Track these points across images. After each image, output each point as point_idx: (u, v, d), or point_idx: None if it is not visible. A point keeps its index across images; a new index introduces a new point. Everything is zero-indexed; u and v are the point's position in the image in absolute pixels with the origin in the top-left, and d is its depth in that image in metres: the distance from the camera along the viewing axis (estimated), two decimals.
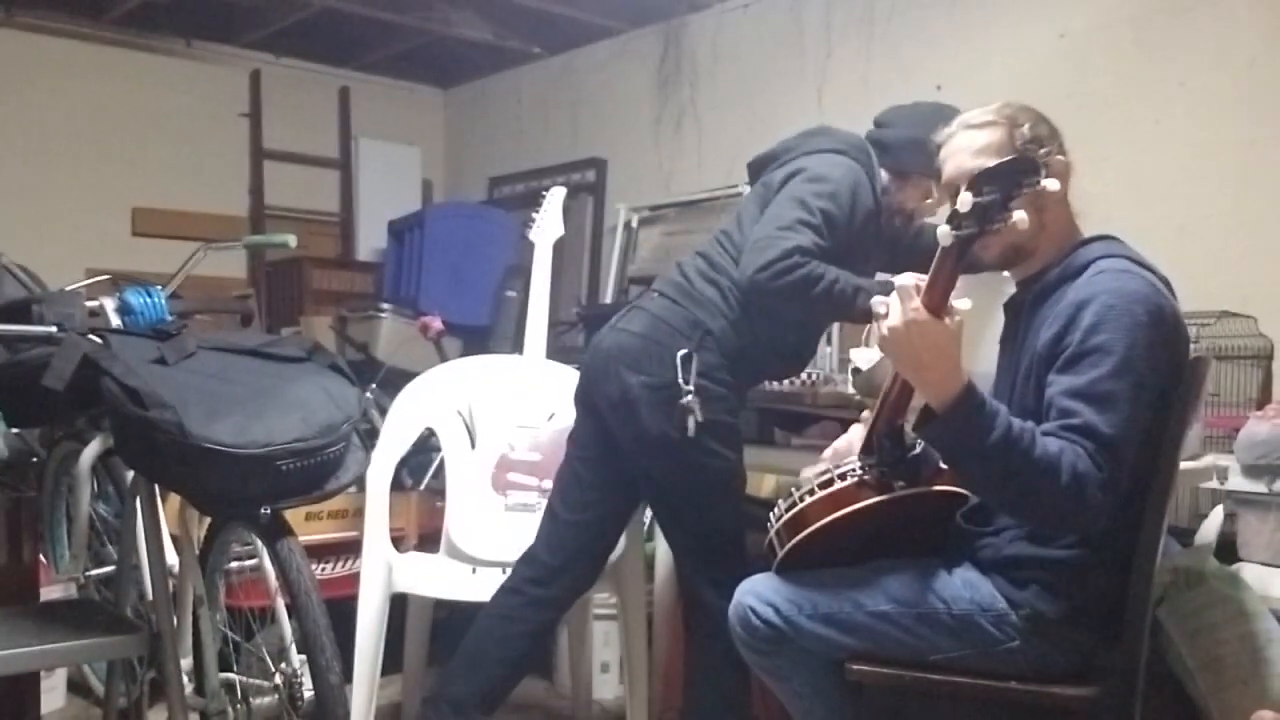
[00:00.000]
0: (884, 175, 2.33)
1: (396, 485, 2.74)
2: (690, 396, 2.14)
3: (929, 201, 2.36)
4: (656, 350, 2.21)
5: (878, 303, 1.59)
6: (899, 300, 1.55)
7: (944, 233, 1.48)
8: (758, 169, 2.47)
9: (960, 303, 1.54)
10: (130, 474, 2.05)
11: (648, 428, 2.18)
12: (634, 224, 5.02)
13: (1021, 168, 1.48)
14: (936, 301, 1.53)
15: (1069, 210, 1.78)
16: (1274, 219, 3.06)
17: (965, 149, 1.77)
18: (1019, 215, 1.47)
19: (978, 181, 1.45)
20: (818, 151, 2.30)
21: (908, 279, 1.57)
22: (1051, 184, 1.57)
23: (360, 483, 2.25)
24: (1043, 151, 1.72)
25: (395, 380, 3.02)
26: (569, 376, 2.78)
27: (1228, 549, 2.37)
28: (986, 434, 1.53)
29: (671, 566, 2.75)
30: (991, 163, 1.62)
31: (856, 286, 2.17)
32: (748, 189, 4.40)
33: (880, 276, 2.33)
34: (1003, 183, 1.45)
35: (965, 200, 1.45)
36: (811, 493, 1.75)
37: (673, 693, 2.68)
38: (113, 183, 5.33)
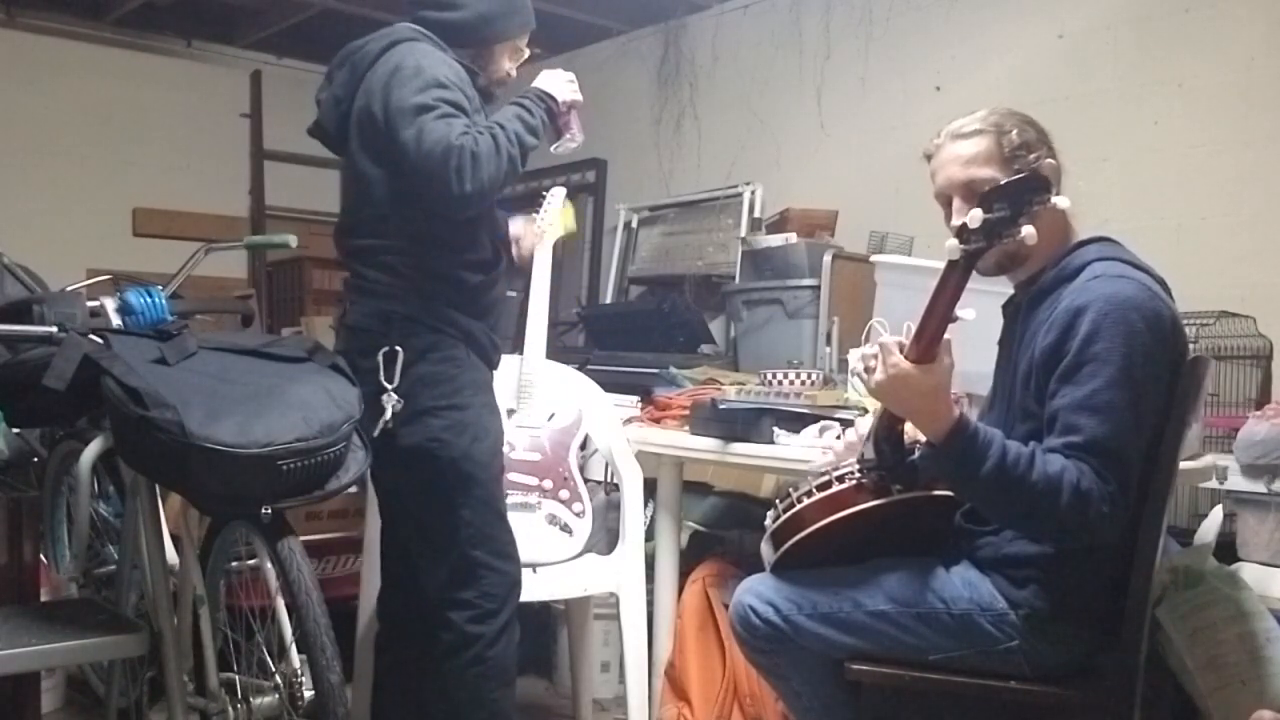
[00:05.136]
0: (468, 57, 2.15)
1: None
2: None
3: (521, 60, 2.23)
4: None
5: (864, 356, 1.66)
6: (881, 356, 1.60)
7: (952, 247, 1.49)
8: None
9: (965, 313, 1.55)
10: (131, 474, 2.05)
11: None
12: (634, 224, 5.03)
13: (1033, 185, 1.50)
14: (925, 344, 1.56)
15: (1062, 212, 1.78)
16: (1272, 219, 3.06)
17: (954, 160, 1.77)
18: (1027, 230, 1.49)
19: (989, 198, 1.48)
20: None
21: (888, 338, 1.62)
22: (1063, 201, 1.59)
23: (361, 483, 2.24)
24: (1031, 156, 1.73)
25: None
26: (569, 376, 2.78)
27: (1227, 548, 2.38)
28: (981, 462, 1.57)
29: (672, 565, 2.76)
30: (982, 172, 1.64)
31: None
32: (749, 190, 4.46)
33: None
34: (1013, 200, 1.48)
35: (975, 216, 1.47)
36: (809, 494, 1.76)
37: (673, 692, 2.68)
38: (113, 183, 5.34)
